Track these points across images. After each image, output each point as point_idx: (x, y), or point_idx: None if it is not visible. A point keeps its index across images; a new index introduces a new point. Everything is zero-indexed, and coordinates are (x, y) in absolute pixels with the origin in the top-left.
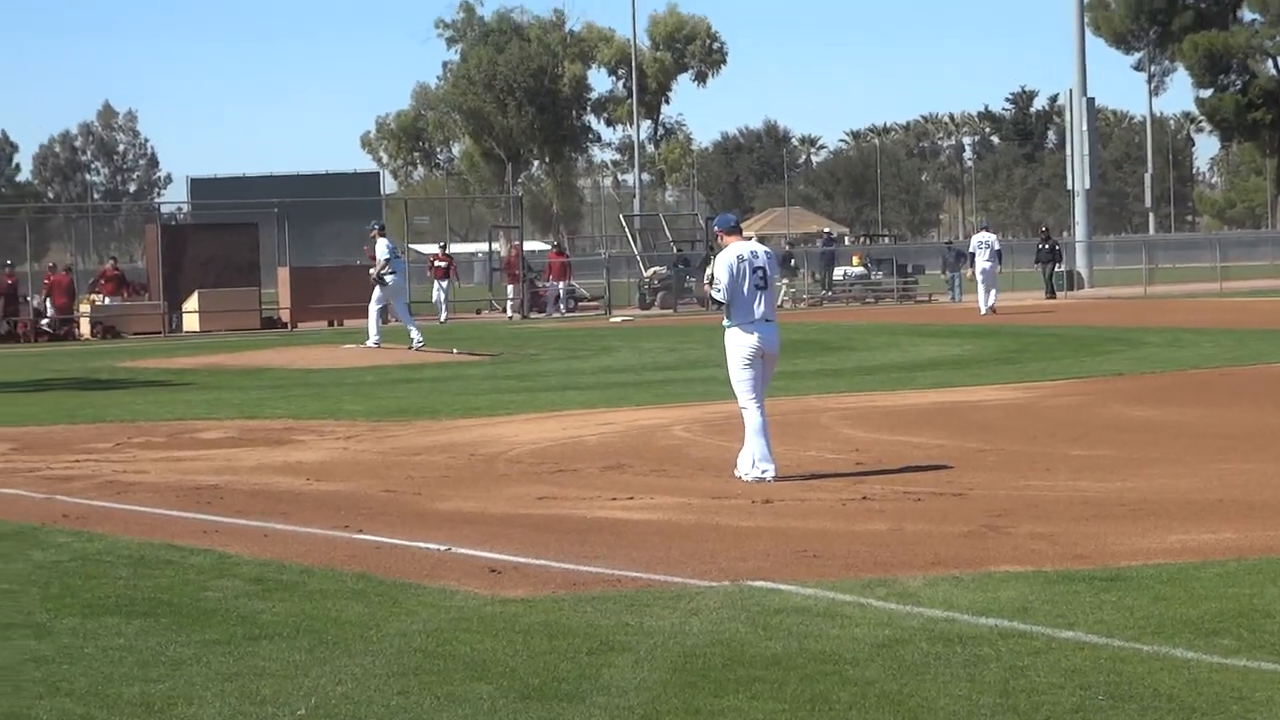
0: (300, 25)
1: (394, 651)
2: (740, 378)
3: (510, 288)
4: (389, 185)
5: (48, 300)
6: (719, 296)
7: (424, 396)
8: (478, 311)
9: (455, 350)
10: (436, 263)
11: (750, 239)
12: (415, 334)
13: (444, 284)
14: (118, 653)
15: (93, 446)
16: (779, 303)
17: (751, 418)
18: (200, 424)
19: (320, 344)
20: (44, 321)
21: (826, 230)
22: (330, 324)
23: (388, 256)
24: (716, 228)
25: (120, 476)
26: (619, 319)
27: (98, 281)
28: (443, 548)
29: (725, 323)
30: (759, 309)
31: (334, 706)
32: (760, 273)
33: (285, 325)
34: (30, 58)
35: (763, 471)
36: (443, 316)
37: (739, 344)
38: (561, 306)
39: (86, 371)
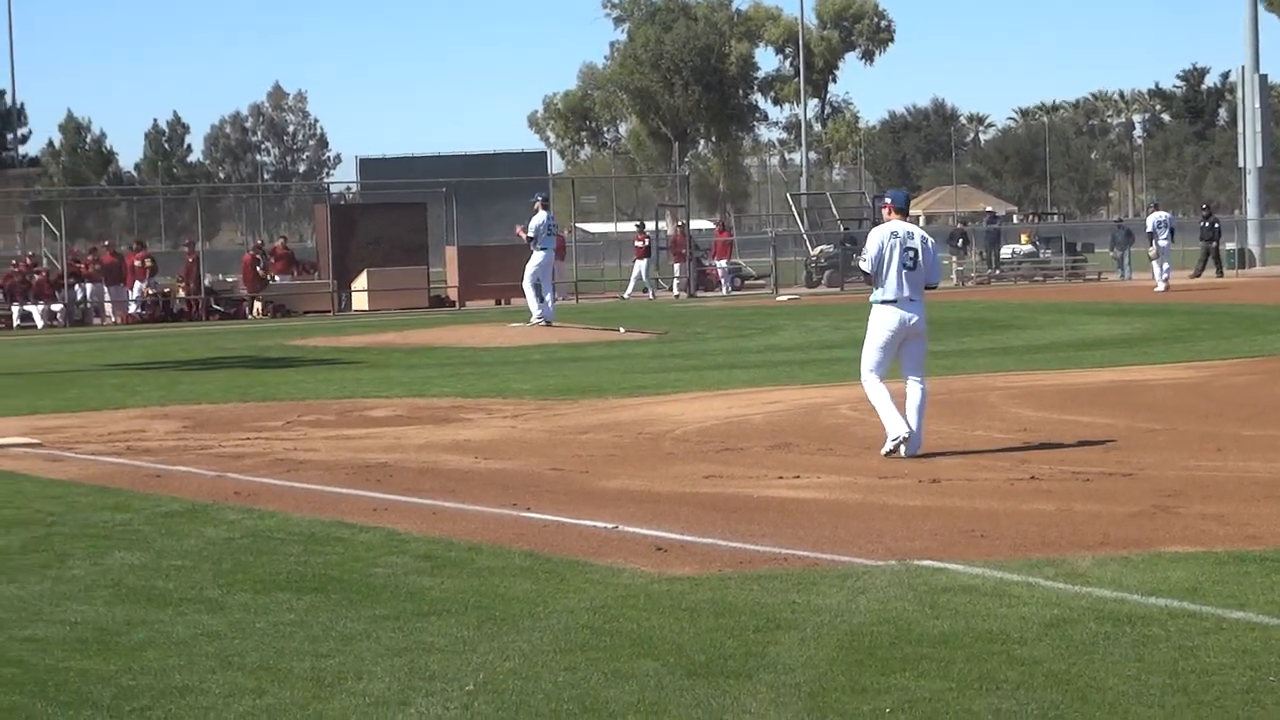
0: (468, 6)
1: (561, 628)
2: (870, 355)
3: (676, 266)
4: (556, 164)
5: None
6: (864, 266)
7: (591, 375)
8: (644, 289)
9: (622, 329)
10: (636, 242)
11: (916, 220)
12: (537, 312)
13: (644, 263)
14: (288, 628)
15: (263, 424)
16: (949, 280)
17: (872, 389)
18: (369, 402)
19: (487, 323)
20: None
21: (990, 209)
22: (498, 303)
23: (537, 226)
24: (887, 199)
25: (291, 454)
26: (785, 297)
27: (267, 261)
28: (610, 526)
29: (871, 298)
30: (905, 289)
31: (501, 682)
32: (911, 253)
33: (453, 304)
34: (202, 40)
35: (894, 441)
36: (649, 294)
37: (880, 323)
38: (725, 284)
39: (257, 350)
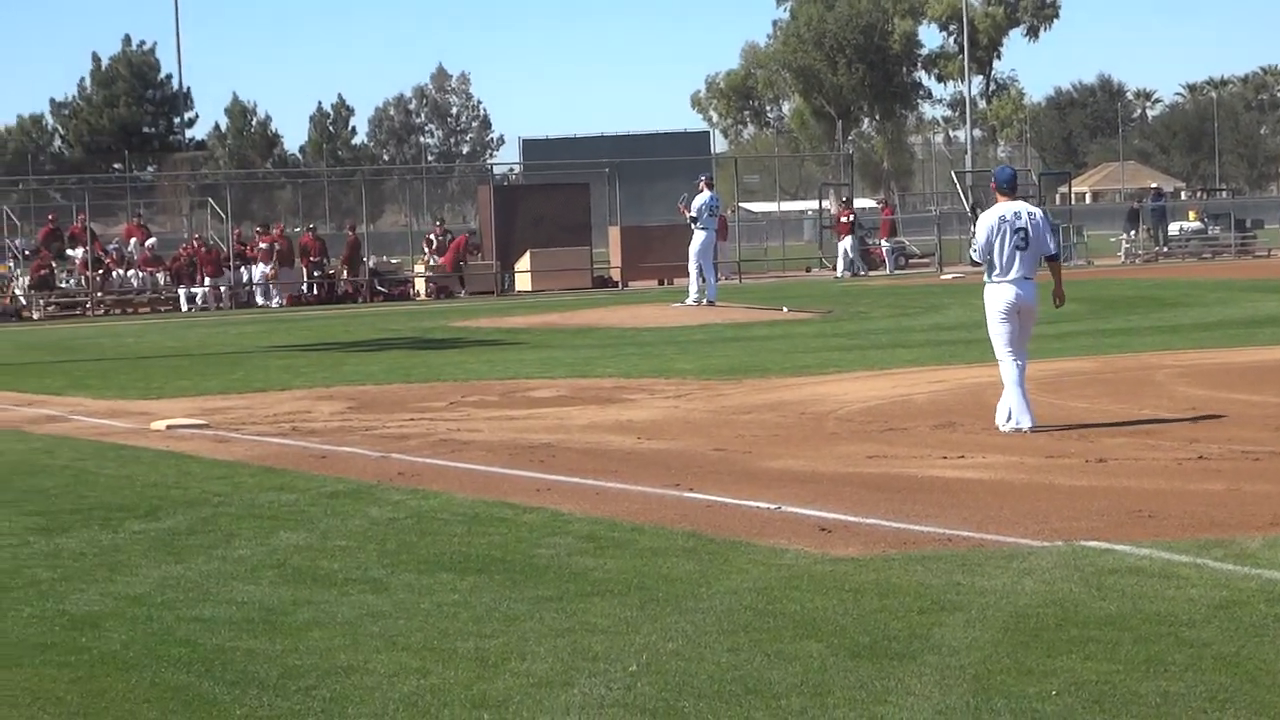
0: None
1: (724, 609)
2: (997, 332)
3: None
4: (719, 144)
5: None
6: (975, 256)
7: (754, 355)
8: (807, 269)
9: (785, 308)
10: (841, 219)
11: (1021, 199)
12: (695, 292)
13: (848, 240)
14: (452, 608)
15: (427, 405)
16: (1117, 257)
17: (1008, 371)
18: (532, 383)
19: (650, 303)
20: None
21: (1155, 186)
22: (660, 283)
23: (700, 206)
24: (993, 180)
25: (454, 435)
26: (950, 276)
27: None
28: (773, 506)
29: (985, 277)
30: (1017, 269)
31: (665, 663)
32: (1021, 234)
33: (616, 284)
34: (365, 23)
35: (1018, 423)
36: (848, 271)
37: (996, 300)
38: (889, 263)
39: (421, 331)
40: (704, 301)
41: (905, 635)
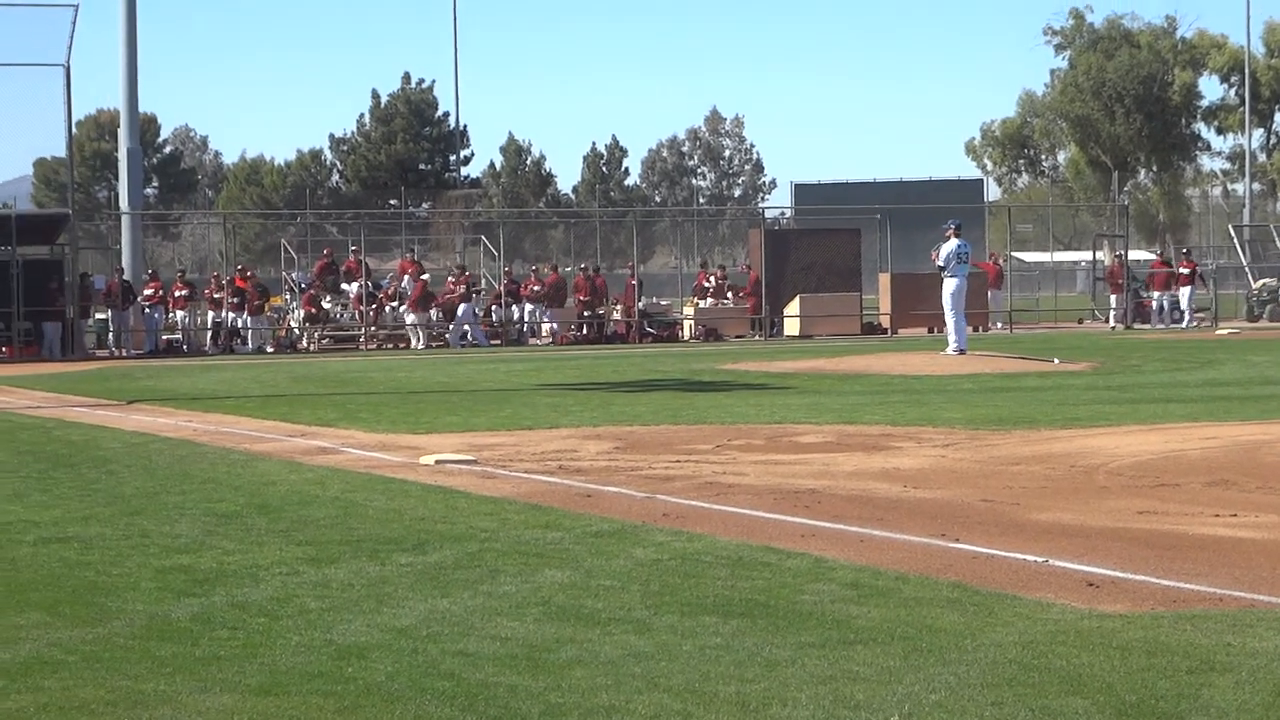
0: (902, 32)
1: (988, 662)
2: None
3: (1113, 297)
4: (992, 192)
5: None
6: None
7: (1023, 405)
8: (1080, 321)
9: (1056, 360)
10: (1180, 269)
11: None
12: (954, 340)
13: (1186, 290)
14: (715, 651)
15: (693, 447)
16: None
17: None
18: (798, 428)
19: (920, 350)
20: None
21: None
22: (930, 331)
23: (948, 254)
24: None
25: (720, 478)
26: (1225, 331)
27: (698, 284)
28: (1040, 559)
29: None
30: None
31: (927, 714)
32: None
33: (885, 331)
34: (640, 65)
35: None
36: (1185, 322)
37: None
38: (1166, 318)
39: (689, 373)
40: (956, 350)
41: (1173, 695)
